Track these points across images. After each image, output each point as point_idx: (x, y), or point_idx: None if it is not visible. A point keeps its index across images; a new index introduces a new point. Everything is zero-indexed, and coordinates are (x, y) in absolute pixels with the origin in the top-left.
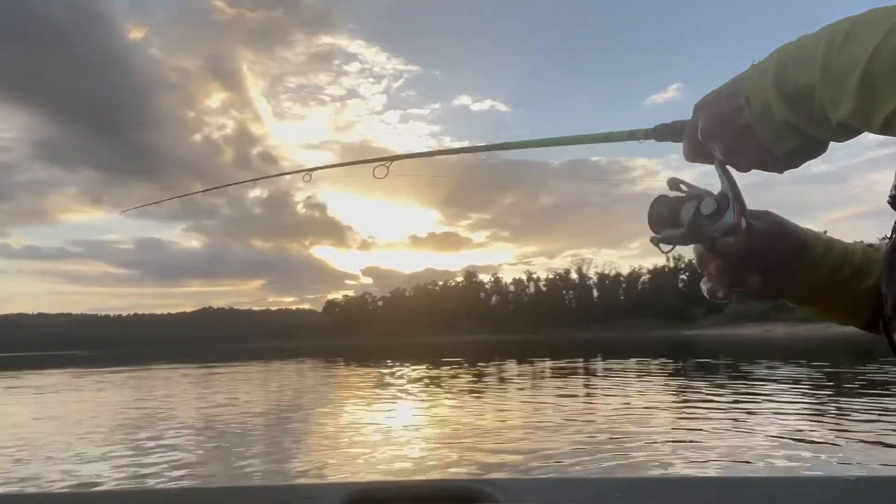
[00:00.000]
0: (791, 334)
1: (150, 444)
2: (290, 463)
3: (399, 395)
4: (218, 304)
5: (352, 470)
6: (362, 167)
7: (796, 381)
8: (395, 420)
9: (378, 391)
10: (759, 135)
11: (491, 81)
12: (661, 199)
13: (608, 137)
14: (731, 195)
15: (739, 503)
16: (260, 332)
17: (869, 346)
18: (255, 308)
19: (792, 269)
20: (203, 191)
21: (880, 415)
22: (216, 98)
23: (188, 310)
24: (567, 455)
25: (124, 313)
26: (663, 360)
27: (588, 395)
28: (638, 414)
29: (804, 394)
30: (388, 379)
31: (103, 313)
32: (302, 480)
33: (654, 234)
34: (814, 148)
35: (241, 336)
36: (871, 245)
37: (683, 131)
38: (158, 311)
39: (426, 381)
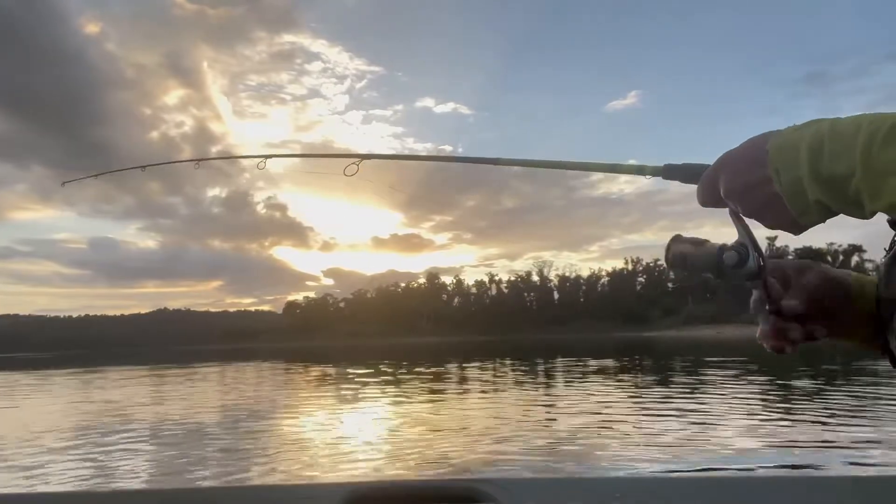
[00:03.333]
0: (741, 335)
1: (116, 446)
2: (287, 463)
3: (384, 396)
4: (174, 305)
5: (350, 470)
6: (330, 164)
7: (749, 380)
8: (390, 420)
9: (361, 392)
10: (789, 207)
11: (454, 84)
12: (678, 238)
13: (613, 168)
14: (750, 245)
15: (739, 503)
16: (217, 333)
17: (815, 345)
18: (213, 309)
19: (843, 315)
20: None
21: (828, 410)
22: (174, 95)
23: (142, 311)
24: (566, 455)
25: (75, 314)
26: (627, 360)
27: (567, 395)
28: (615, 414)
29: (758, 392)
30: (365, 380)
31: (52, 314)
32: (300, 480)
33: (674, 267)
34: (835, 216)
35: (197, 338)
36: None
37: (694, 174)
38: (111, 313)
39: (406, 382)
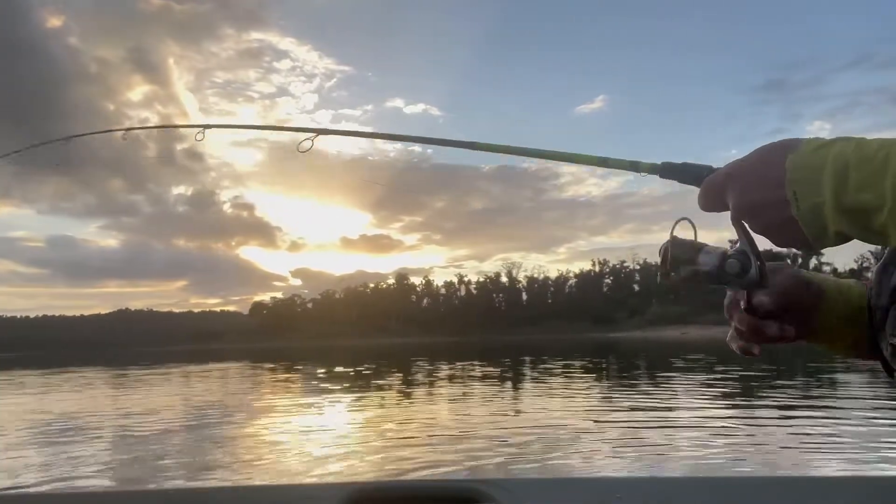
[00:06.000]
0: (706, 336)
1: (108, 447)
2: (287, 463)
3: (380, 396)
4: (136, 305)
5: (350, 470)
6: (283, 137)
7: (741, 381)
8: (389, 421)
9: (355, 392)
10: (806, 233)
11: (424, 84)
12: (676, 242)
13: (604, 163)
14: (753, 254)
15: (739, 503)
16: (181, 334)
17: (775, 345)
18: (177, 310)
19: (813, 316)
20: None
21: (823, 410)
22: (139, 91)
23: (103, 311)
24: (566, 455)
25: (32, 314)
26: (611, 361)
27: (562, 396)
28: (613, 415)
29: (751, 392)
30: (356, 381)
31: (8, 315)
32: (300, 480)
33: (668, 270)
34: (851, 240)
35: (161, 339)
36: (863, 277)
37: (694, 176)
38: (70, 313)
39: (397, 382)
